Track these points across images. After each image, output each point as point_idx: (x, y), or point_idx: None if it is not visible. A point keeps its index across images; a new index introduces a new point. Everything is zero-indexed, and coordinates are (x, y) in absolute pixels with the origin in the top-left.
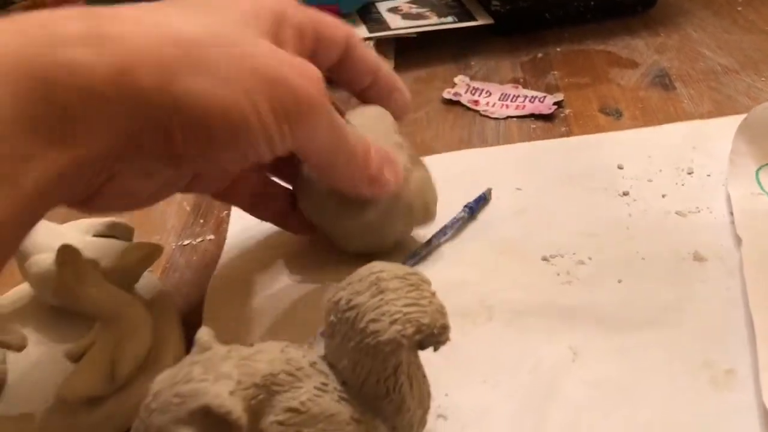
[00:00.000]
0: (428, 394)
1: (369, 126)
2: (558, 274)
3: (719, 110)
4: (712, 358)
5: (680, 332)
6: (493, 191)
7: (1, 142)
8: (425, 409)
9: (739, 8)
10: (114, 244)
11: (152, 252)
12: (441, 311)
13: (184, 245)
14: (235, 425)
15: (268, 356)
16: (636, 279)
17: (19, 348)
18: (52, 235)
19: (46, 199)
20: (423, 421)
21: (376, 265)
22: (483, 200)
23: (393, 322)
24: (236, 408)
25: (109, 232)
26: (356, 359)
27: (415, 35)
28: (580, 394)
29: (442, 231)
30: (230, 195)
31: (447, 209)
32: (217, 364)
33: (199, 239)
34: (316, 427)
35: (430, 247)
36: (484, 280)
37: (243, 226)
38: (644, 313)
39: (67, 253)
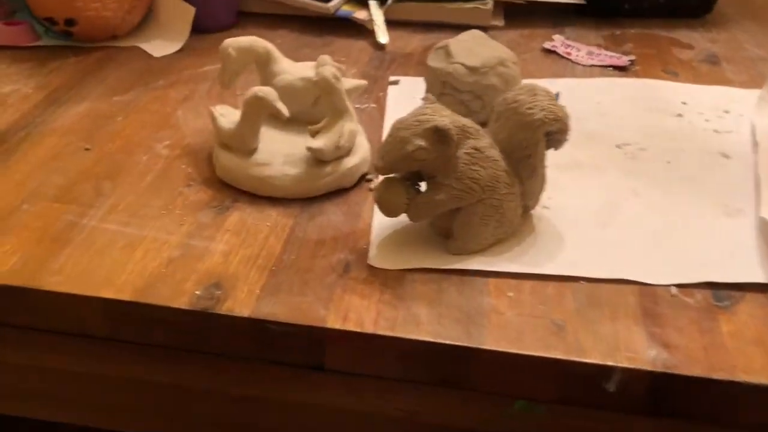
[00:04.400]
0: (545, 181)
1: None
2: (626, 154)
3: (753, 81)
4: (727, 202)
5: (707, 188)
6: (577, 104)
7: None
8: (541, 189)
9: None
10: None
11: (360, 84)
12: (568, 117)
13: (354, 107)
14: (451, 139)
15: (464, 119)
16: (679, 161)
17: (284, 116)
18: (291, 64)
19: None
20: (537, 199)
21: (529, 83)
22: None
23: (542, 110)
24: (453, 129)
25: None
26: (513, 132)
27: (523, 2)
28: (638, 207)
29: None
30: None
31: None
32: (440, 109)
33: (365, 105)
34: (486, 163)
35: None
36: (573, 152)
37: (396, 100)
38: (683, 176)
39: (328, 61)
